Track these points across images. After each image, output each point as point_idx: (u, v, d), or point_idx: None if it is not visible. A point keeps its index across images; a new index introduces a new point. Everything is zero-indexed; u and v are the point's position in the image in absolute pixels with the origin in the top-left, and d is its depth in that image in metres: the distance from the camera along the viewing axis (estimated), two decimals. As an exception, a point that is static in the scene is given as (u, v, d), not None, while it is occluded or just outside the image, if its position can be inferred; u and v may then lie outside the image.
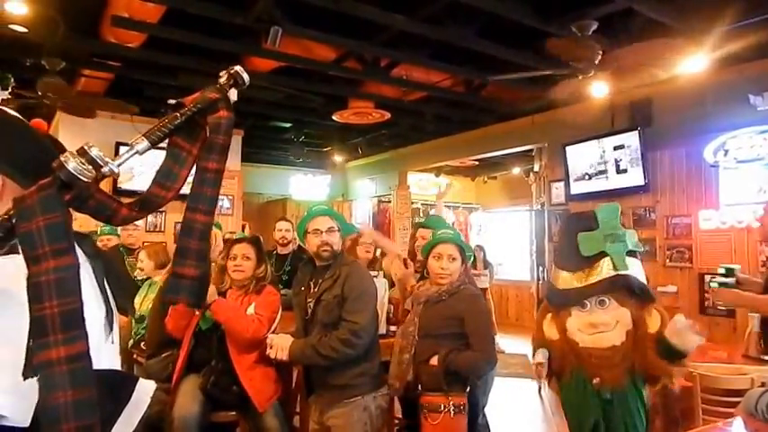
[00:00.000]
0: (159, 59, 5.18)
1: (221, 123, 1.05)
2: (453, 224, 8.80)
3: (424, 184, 10.77)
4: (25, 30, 4.25)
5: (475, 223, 11.50)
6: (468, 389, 2.55)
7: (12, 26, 4.20)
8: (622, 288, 2.16)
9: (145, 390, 1.03)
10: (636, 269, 2.22)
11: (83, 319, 0.84)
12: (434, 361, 2.56)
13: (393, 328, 3.51)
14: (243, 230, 5.96)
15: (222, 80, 1.07)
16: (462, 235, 2.85)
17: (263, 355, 2.83)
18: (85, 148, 0.90)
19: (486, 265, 8.47)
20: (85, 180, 0.88)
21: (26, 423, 0.81)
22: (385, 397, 2.69)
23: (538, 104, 6.39)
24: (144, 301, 3.79)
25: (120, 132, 6.34)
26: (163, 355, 3.24)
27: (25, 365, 0.79)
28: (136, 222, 5.16)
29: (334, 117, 6.85)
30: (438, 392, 2.52)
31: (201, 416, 2.82)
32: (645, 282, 2.24)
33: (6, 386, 0.80)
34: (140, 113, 6.09)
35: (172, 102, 6.11)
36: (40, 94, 4.93)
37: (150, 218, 6.94)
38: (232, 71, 1.06)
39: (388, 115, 6.76)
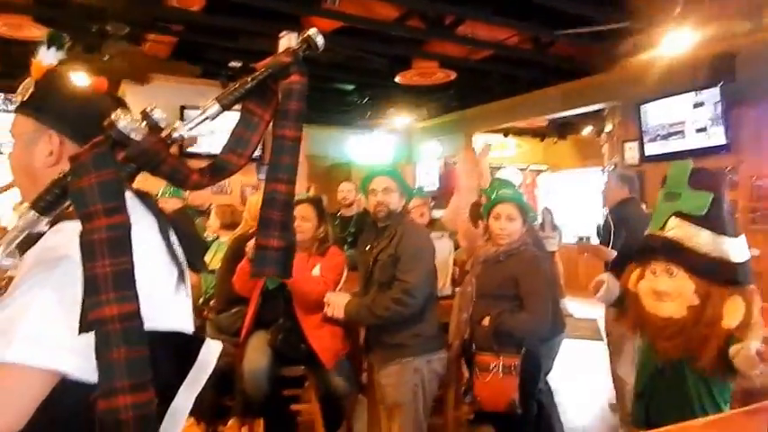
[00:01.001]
0: (220, 22, 5.23)
1: (293, 89, 1.02)
2: (520, 186, 8.61)
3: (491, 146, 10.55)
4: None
5: (543, 185, 11.21)
6: (523, 351, 2.52)
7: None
8: (687, 258, 1.92)
9: (211, 351, 1.03)
10: (705, 239, 1.94)
11: (134, 280, 0.84)
12: (486, 322, 2.56)
13: (458, 289, 3.52)
14: (308, 191, 6.06)
15: (295, 44, 1.03)
16: (524, 195, 2.78)
17: (328, 314, 2.89)
18: (147, 110, 0.91)
19: (555, 227, 8.27)
20: (137, 139, 0.87)
21: (94, 380, 0.83)
22: (441, 360, 2.68)
23: (610, 61, 6.07)
24: (213, 260, 3.96)
25: (184, 96, 6.41)
26: (232, 311, 3.36)
27: (80, 322, 0.80)
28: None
29: (397, 78, 6.77)
30: (489, 352, 2.54)
31: (270, 370, 2.92)
32: (734, 259, 1.93)
33: (73, 346, 0.81)
34: (202, 76, 6.20)
35: (234, 65, 6.27)
36: (105, 58, 5.10)
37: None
38: (306, 35, 1.02)
39: (453, 75, 6.61)
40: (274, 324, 3.03)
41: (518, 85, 7.64)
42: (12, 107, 6.46)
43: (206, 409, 3.17)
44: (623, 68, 6.29)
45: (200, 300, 3.92)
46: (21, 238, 0.85)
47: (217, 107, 0.96)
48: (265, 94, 1.03)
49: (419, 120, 10.05)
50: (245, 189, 7.16)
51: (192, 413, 3.49)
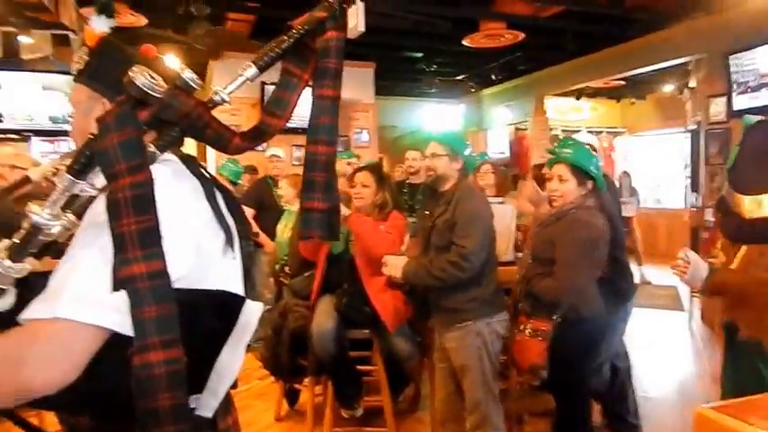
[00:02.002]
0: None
1: (331, 45, 0.99)
2: (595, 149, 8.28)
3: (563, 109, 10.15)
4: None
5: (620, 148, 10.71)
6: (556, 319, 2.45)
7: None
8: None
9: (252, 311, 1.02)
10: None
11: (160, 237, 0.85)
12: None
13: (520, 254, 3.47)
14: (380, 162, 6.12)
15: None
16: (595, 157, 2.64)
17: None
18: (178, 70, 0.91)
19: (633, 192, 7.92)
20: (157, 95, 0.87)
21: (134, 334, 0.85)
22: (502, 322, 2.68)
23: (695, 9, 5.64)
24: (285, 229, 4.11)
25: (265, 73, 6.65)
26: (304, 275, 3.49)
27: (113, 280, 0.83)
28: (279, 154, 5.52)
29: (464, 42, 6.62)
30: (523, 314, 2.58)
31: (337, 332, 3.03)
32: None
33: (114, 304, 0.83)
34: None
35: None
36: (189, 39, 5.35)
37: (296, 151, 7.30)
38: None
39: (521, 36, 6.38)
40: (339, 288, 3.13)
41: (592, 43, 7.24)
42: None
43: (283, 368, 3.35)
44: (710, 17, 5.84)
45: (277, 266, 4.10)
46: (62, 201, 0.87)
47: (254, 69, 0.95)
48: (303, 54, 1.00)
49: (488, 85, 9.80)
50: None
51: (271, 371, 3.69)
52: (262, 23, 6.30)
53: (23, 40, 5.81)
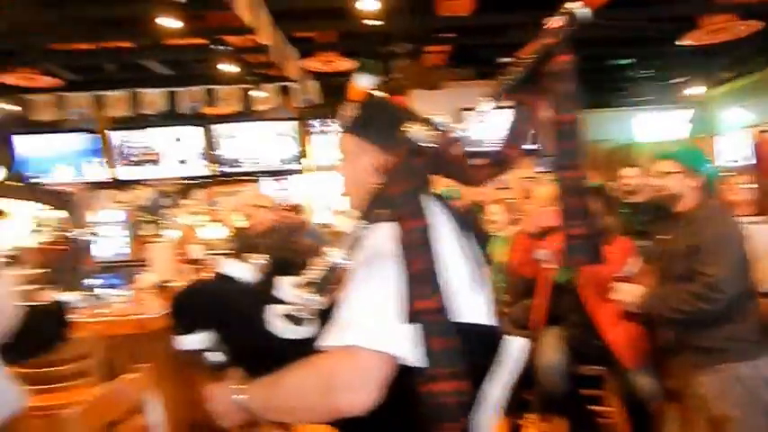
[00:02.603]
0: (489, 21, 5.33)
1: (562, 69, 1.01)
2: None
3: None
4: (379, 22, 4.87)
5: None
6: None
7: (366, 21, 4.87)
8: None
9: (516, 346, 1.08)
10: None
11: (435, 276, 0.93)
12: None
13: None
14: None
15: (556, 23, 1.02)
16: None
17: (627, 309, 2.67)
18: (428, 117, 0.99)
19: None
20: (431, 145, 0.95)
21: (423, 364, 0.93)
22: None
23: None
24: (496, 254, 4.01)
25: (463, 99, 6.69)
26: (523, 303, 3.35)
27: (407, 313, 0.91)
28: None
29: (683, 41, 5.94)
30: None
31: (565, 367, 2.84)
32: None
33: (402, 333, 0.92)
34: (478, 77, 6.42)
35: (504, 60, 6.35)
36: (393, 76, 5.66)
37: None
38: (565, 10, 1.01)
39: (758, 25, 5.53)
40: (566, 319, 2.95)
41: None
42: (330, 129, 7.74)
43: (508, 401, 3.23)
44: None
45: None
46: (354, 242, 0.97)
47: (490, 103, 1.01)
48: (534, 81, 1.03)
49: (714, 85, 8.67)
50: (524, 182, 7.11)
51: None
52: (456, 51, 6.46)
53: (255, 94, 6.64)
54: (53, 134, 7.56)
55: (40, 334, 1.96)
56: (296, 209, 6.17)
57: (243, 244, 3.96)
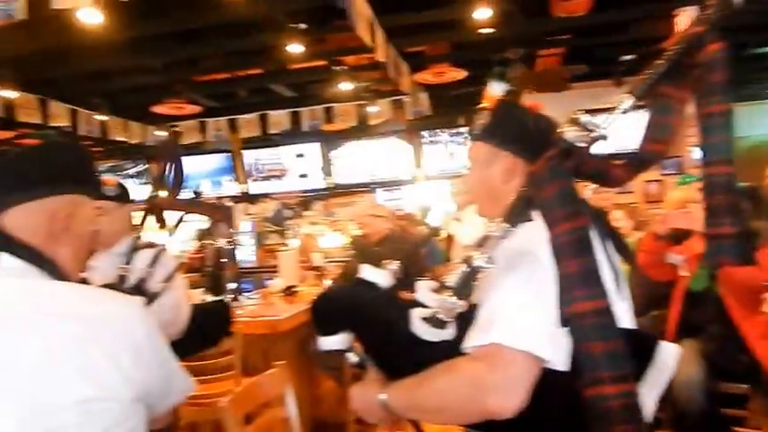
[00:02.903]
0: (608, 18, 5.13)
1: (714, 58, 0.96)
2: None
3: None
4: (492, 30, 4.83)
5: None
6: None
7: (481, 30, 4.85)
8: None
9: (669, 353, 1.02)
10: None
11: (599, 278, 0.91)
12: None
13: None
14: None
15: (705, 9, 0.96)
16: None
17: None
18: (575, 116, 0.96)
19: None
20: (583, 145, 0.94)
21: (566, 367, 0.91)
22: None
23: None
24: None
25: (578, 100, 6.45)
26: (650, 314, 3.18)
27: (560, 316, 0.90)
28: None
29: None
30: None
31: (705, 383, 2.63)
32: None
33: (548, 335, 0.91)
34: (593, 77, 6.16)
35: (626, 58, 6.03)
36: (511, 83, 5.58)
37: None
38: None
39: None
40: (704, 331, 2.74)
41: None
42: (440, 140, 7.82)
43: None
44: None
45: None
46: (496, 245, 0.97)
47: (629, 100, 0.96)
48: (679, 74, 0.98)
49: None
50: (647, 186, 6.70)
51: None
52: (570, 52, 6.27)
53: (369, 109, 6.85)
54: (197, 155, 8.45)
55: (209, 330, 2.19)
56: (409, 218, 6.28)
57: (360, 252, 4.09)
